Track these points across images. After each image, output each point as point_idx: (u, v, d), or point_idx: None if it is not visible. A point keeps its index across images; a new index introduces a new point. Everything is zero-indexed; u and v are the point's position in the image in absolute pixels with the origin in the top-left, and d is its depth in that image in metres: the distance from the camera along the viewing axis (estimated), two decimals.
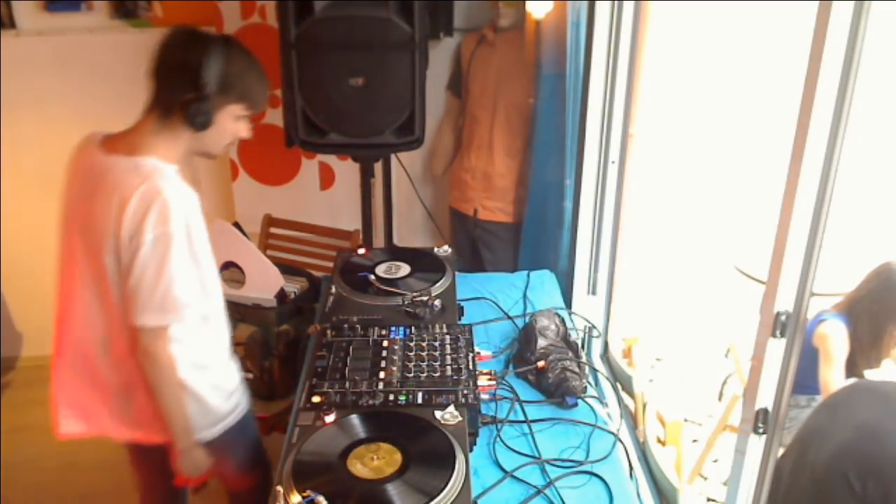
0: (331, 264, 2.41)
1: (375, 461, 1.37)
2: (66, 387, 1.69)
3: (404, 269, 2.08)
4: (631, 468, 1.75)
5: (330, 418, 1.49)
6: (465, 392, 1.58)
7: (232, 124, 1.60)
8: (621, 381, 2.37)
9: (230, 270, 2.44)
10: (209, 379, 1.68)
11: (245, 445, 1.88)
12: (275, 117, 3.01)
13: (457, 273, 2.10)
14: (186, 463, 1.67)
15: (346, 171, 3.15)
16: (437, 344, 1.74)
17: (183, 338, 1.60)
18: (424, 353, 1.71)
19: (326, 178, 3.23)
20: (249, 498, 1.98)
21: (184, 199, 1.53)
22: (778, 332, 1.29)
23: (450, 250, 2.20)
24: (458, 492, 1.31)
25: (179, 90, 1.52)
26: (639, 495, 1.64)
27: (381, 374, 1.64)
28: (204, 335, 1.66)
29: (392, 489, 1.31)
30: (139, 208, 1.47)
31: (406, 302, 1.91)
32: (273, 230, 2.99)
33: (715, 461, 2.98)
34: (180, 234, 1.49)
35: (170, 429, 1.62)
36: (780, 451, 1.90)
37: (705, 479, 2.95)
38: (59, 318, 1.67)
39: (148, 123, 1.58)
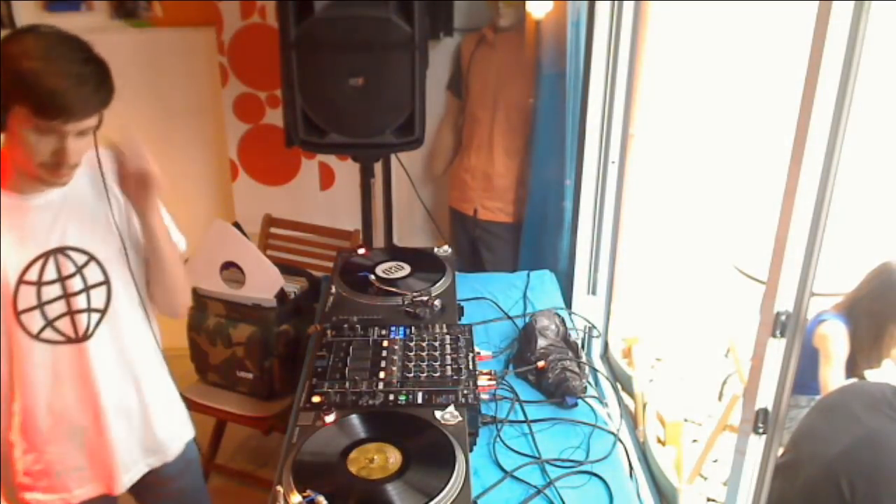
0: (331, 264, 2.41)
1: (375, 461, 1.37)
2: None
3: (404, 269, 2.08)
4: (631, 468, 1.75)
5: (330, 418, 1.49)
6: (465, 392, 1.58)
7: (30, 135, 1.29)
8: (621, 381, 2.38)
9: (230, 270, 2.44)
10: None
11: None
12: (275, 117, 3.02)
13: (457, 273, 2.10)
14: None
15: (346, 171, 3.15)
16: (437, 344, 1.74)
17: None
18: (424, 353, 1.71)
19: (326, 178, 3.23)
20: None
21: None
22: (778, 332, 1.29)
23: (450, 250, 2.20)
24: (458, 492, 1.31)
25: None
26: (639, 495, 1.64)
27: (381, 374, 1.64)
28: None
29: (392, 489, 1.31)
30: None
31: (406, 302, 1.91)
32: (273, 230, 2.99)
33: (715, 461, 2.98)
34: None
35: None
36: (780, 452, 1.90)
37: (705, 479, 2.95)
38: None
39: None
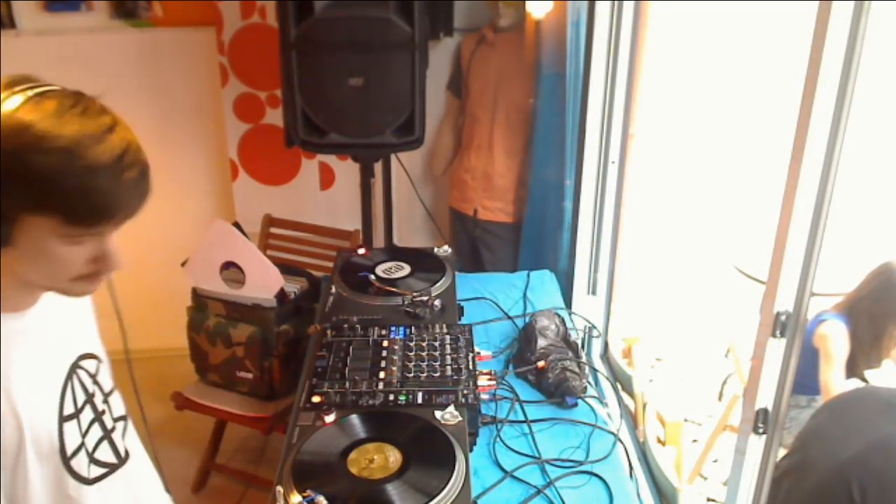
0: (331, 264, 2.40)
1: (375, 461, 1.37)
2: None
3: (404, 269, 2.08)
4: (631, 468, 1.75)
5: (330, 418, 1.49)
6: (465, 392, 1.58)
7: (61, 247, 0.93)
8: (621, 381, 2.38)
9: (230, 270, 2.44)
10: None
11: None
12: (275, 117, 3.02)
13: (457, 273, 2.10)
14: None
15: (346, 171, 3.15)
16: (437, 344, 1.74)
17: None
18: (424, 353, 1.71)
19: (326, 178, 3.23)
20: None
21: None
22: (778, 332, 1.29)
23: (450, 250, 2.20)
24: (458, 492, 1.31)
25: None
26: (639, 495, 1.64)
27: (381, 374, 1.64)
28: None
29: (392, 489, 1.31)
30: None
31: (406, 302, 1.91)
32: (273, 230, 2.99)
33: (715, 461, 2.98)
34: None
35: None
36: (781, 452, 1.90)
37: (705, 479, 2.95)
38: None
39: None
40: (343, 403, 1.55)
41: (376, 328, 1.80)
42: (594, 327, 2.30)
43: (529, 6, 2.58)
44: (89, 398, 1.12)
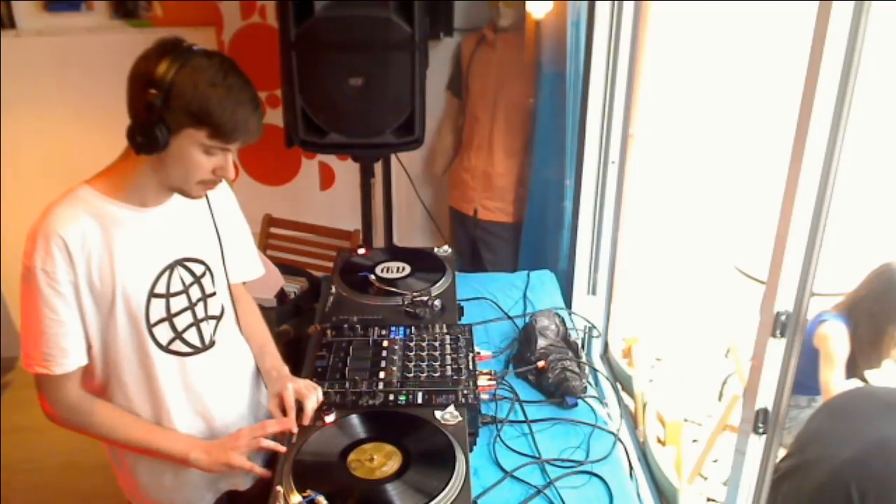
0: (331, 264, 2.41)
1: (375, 461, 1.37)
2: None
3: (404, 269, 2.08)
4: (631, 468, 1.75)
5: (330, 418, 1.49)
6: (465, 392, 1.58)
7: (197, 154, 1.31)
8: (621, 381, 2.38)
9: None
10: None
11: None
12: (275, 117, 3.02)
13: (457, 273, 2.10)
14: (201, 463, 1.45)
15: (346, 171, 3.15)
16: (437, 344, 1.74)
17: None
18: (424, 353, 1.71)
19: (326, 178, 3.23)
20: None
21: (68, 231, 1.29)
22: (778, 332, 1.29)
23: (450, 250, 2.20)
24: (458, 492, 1.31)
25: (133, 105, 1.29)
26: (639, 495, 1.64)
27: (381, 374, 1.64)
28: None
29: (392, 489, 1.31)
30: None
31: (406, 302, 1.91)
32: (273, 230, 2.99)
33: (715, 461, 2.98)
34: (37, 271, 1.29)
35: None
36: (781, 452, 1.90)
37: (705, 479, 2.95)
38: None
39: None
40: (343, 403, 1.55)
41: (376, 328, 1.80)
42: (594, 327, 2.30)
43: (529, 6, 2.58)
44: (185, 289, 1.44)
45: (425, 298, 1.90)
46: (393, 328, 1.81)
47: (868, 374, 2.60)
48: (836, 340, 2.51)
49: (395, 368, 1.66)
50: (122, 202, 1.35)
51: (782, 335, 1.29)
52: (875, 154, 3.41)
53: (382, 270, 2.07)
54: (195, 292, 1.46)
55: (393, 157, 2.76)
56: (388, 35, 2.16)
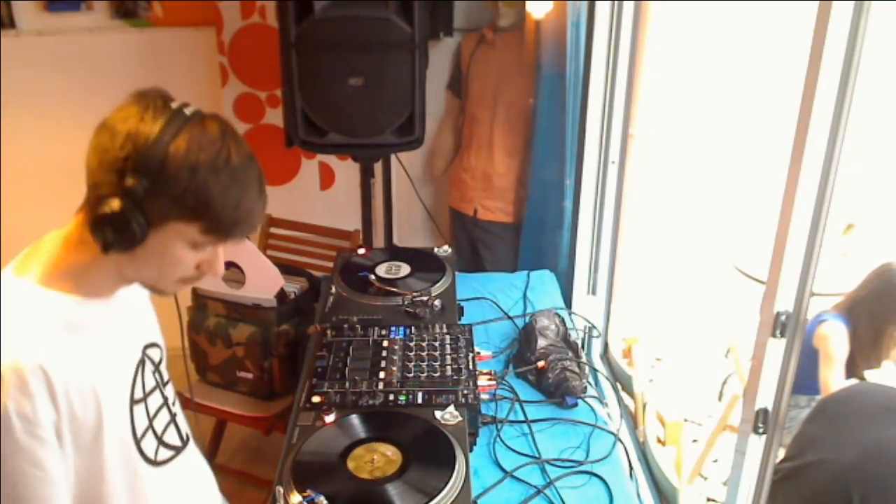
0: (331, 264, 2.40)
1: (375, 461, 1.37)
2: None
3: (404, 269, 2.08)
4: (631, 468, 1.75)
5: (330, 418, 1.49)
6: (465, 392, 1.58)
7: (181, 250, 1.03)
8: (621, 381, 2.38)
9: (230, 270, 2.44)
10: None
11: None
12: (275, 117, 3.02)
13: (457, 273, 2.10)
14: None
15: (346, 171, 3.15)
16: (437, 344, 1.74)
17: None
18: (424, 353, 1.71)
19: (326, 178, 3.23)
20: None
21: (47, 357, 0.96)
22: (778, 332, 1.29)
23: (450, 250, 2.20)
24: (458, 492, 1.31)
25: (98, 185, 1.00)
26: (639, 495, 1.64)
27: (381, 374, 1.64)
28: None
29: (392, 489, 1.31)
30: None
31: (406, 302, 1.91)
32: (273, 230, 2.99)
33: (715, 461, 2.98)
34: (12, 419, 0.94)
35: None
36: (781, 452, 1.90)
37: (705, 479, 2.95)
38: None
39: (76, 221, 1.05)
40: (343, 403, 1.55)
41: (376, 328, 1.80)
42: (594, 327, 2.30)
43: (529, 6, 2.57)
44: (158, 384, 1.19)
45: (425, 298, 1.90)
46: (393, 328, 1.81)
47: (868, 374, 2.60)
48: (835, 340, 2.51)
49: (395, 368, 1.66)
50: (84, 297, 1.05)
51: (782, 335, 1.29)
52: (875, 154, 3.41)
53: (382, 270, 2.07)
54: (163, 384, 1.22)
55: (393, 157, 2.76)
56: (388, 35, 2.16)
